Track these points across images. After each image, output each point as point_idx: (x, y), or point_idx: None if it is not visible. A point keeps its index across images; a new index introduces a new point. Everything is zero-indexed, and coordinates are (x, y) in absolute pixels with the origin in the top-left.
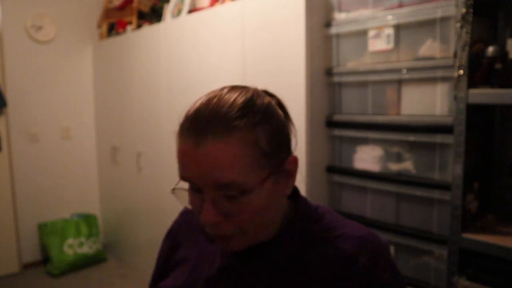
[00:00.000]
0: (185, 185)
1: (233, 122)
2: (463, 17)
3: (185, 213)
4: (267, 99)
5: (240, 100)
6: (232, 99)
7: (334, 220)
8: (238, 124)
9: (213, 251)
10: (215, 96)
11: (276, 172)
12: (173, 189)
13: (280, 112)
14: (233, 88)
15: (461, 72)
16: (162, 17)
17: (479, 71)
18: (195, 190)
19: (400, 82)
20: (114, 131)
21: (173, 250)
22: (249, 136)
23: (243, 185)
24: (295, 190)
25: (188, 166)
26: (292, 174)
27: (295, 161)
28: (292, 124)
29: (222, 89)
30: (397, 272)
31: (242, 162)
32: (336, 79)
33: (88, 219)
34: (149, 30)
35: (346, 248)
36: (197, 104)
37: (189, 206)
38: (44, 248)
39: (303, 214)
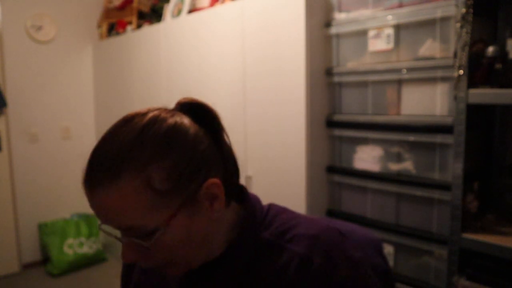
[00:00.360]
0: None
1: (120, 168)
2: (463, 17)
3: None
4: (167, 124)
5: (128, 137)
6: (121, 138)
7: (287, 221)
8: (125, 168)
9: (169, 277)
10: (108, 134)
11: (189, 203)
12: (99, 226)
13: (190, 134)
14: (130, 119)
15: (461, 72)
16: (162, 17)
17: (479, 71)
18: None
19: (400, 82)
20: None
21: (128, 274)
22: (139, 180)
23: (144, 228)
24: (243, 193)
25: (95, 213)
26: (216, 197)
27: (215, 185)
28: (222, 136)
29: (122, 120)
30: (356, 265)
31: (135, 207)
32: (336, 79)
33: (88, 219)
34: (149, 30)
35: (299, 249)
36: (96, 144)
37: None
38: (44, 248)
39: (253, 221)
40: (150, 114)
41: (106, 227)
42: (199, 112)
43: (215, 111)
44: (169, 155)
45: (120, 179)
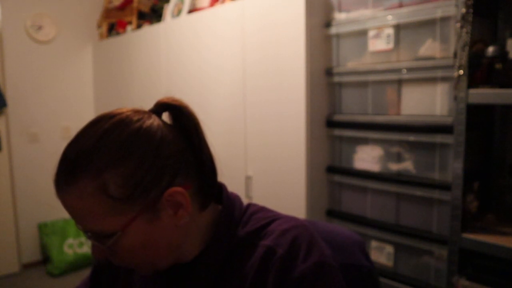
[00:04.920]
0: None
1: (75, 173)
2: (463, 17)
3: None
4: (129, 129)
5: (89, 141)
6: (83, 141)
7: (263, 219)
8: (81, 173)
9: (150, 277)
10: (76, 135)
11: (148, 211)
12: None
13: (155, 139)
14: (97, 122)
15: (461, 72)
16: (162, 17)
17: (479, 71)
18: None
19: (400, 82)
20: None
21: (114, 269)
22: (93, 185)
23: (101, 231)
24: (222, 192)
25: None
26: (180, 205)
27: (178, 193)
28: (198, 138)
29: (91, 121)
30: (320, 262)
31: (91, 211)
32: (336, 79)
33: None
34: (149, 30)
35: (268, 242)
36: (66, 144)
37: None
38: (44, 248)
39: (231, 219)
40: (117, 117)
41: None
42: (176, 113)
43: (192, 113)
44: (126, 162)
45: (77, 183)
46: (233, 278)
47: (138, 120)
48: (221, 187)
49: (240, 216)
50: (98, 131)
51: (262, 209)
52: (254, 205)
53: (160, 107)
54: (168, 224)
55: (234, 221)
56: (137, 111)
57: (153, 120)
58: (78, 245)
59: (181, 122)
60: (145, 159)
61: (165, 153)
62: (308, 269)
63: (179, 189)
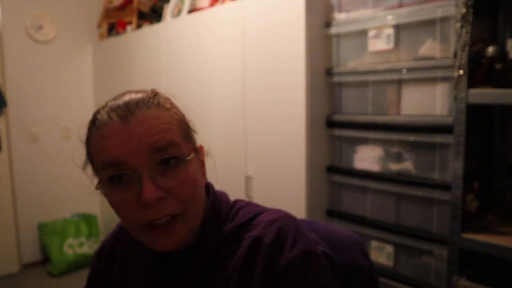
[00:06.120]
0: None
1: (155, 101)
2: (463, 17)
3: (116, 233)
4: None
5: (145, 92)
6: (139, 91)
7: (250, 212)
8: (160, 102)
9: (142, 271)
10: (121, 94)
11: (196, 152)
12: (97, 187)
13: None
14: (130, 90)
15: (461, 72)
16: (162, 17)
17: (479, 71)
18: (129, 172)
19: (400, 82)
20: None
21: (107, 272)
22: (172, 112)
23: (179, 147)
24: (209, 188)
25: (117, 146)
26: (203, 163)
27: (202, 150)
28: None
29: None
30: (307, 252)
31: (175, 127)
32: (336, 79)
33: (88, 219)
34: (149, 30)
35: (254, 233)
36: (108, 103)
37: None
38: (44, 248)
39: (219, 214)
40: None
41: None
42: None
43: None
44: (178, 109)
45: (159, 106)
46: (222, 270)
47: None
48: (208, 185)
49: (227, 211)
50: (143, 91)
51: (248, 204)
52: (241, 200)
53: None
54: (201, 178)
55: (222, 216)
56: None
57: None
58: (78, 245)
59: None
60: (183, 113)
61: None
62: (295, 257)
63: (202, 145)
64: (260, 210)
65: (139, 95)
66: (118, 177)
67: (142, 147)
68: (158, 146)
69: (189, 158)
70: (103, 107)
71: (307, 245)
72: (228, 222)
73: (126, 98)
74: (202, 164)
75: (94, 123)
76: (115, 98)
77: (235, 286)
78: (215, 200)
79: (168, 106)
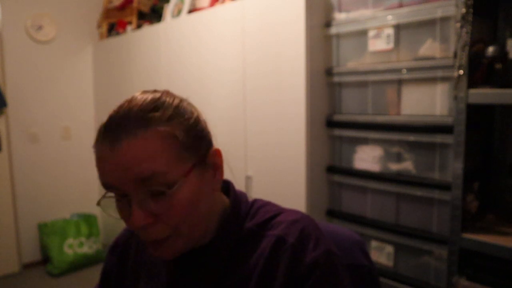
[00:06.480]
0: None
1: (147, 118)
2: (463, 17)
3: (129, 230)
4: (177, 98)
5: (150, 98)
6: (143, 99)
7: (270, 211)
8: (152, 118)
9: (158, 267)
10: (125, 101)
11: (200, 164)
12: (99, 202)
13: (192, 109)
14: (143, 92)
15: (461, 72)
16: (162, 17)
17: (479, 71)
18: (121, 196)
19: (400, 82)
20: None
21: (121, 267)
22: (165, 129)
23: (165, 176)
24: (229, 187)
25: (107, 172)
26: (218, 167)
27: (218, 153)
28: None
29: (135, 94)
30: (329, 252)
31: (161, 154)
32: (336, 79)
33: (88, 219)
34: (149, 30)
35: (277, 232)
36: (110, 113)
37: (117, 216)
38: (44, 248)
39: (239, 212)
40: (161, 90)
41: (106, 203)
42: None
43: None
44: (185, 116)
45: (148, 128)
46: (241, 267)
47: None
48: (229, 183)
49: (247, 210)
50: (151, 95)
51: (268, 203)
52: (260, 200)
53: None
54: (209, 185)
55: (242, 214)
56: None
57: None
58: (78, 245)
59: None
60: (195, 118)
61: (203, 120)
62: (320, 256)
63: (218, 149)
64: (280, 210)
65: (136, 108)
66: (114, 197)
67: (129, 176)
68: (143, 177)
69: (178, 183)
70: (105, 121)
71: (328, 246)
72: (248, 220)
73: (121, 112)
74: (217, 168)
75: (97, 138)
76: (118, 107)
77: (256, 284)
78: (236, 198)
79: (165, 120)
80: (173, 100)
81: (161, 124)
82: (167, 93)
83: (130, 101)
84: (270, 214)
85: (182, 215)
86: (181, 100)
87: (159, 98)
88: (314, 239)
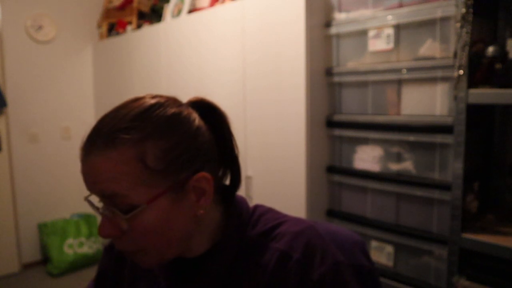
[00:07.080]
0: None
1: (116, 137)
2: (463, 17)
3: None
4: (173, 110)
5: (134, 112)
6: (127, 111)
7: (272, 220)
8: (122, 138)
9: (156, 276)
10: (117, 107)
11: (175, 189)
12: (85, 198)
13: (194, 125)
14: (141, 98)
15: (461, 72)
16: (162, 17)
17: (479, 71)
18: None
19: (400, 82)
20: None
21: (118, 269)
22: (133, 152)
23: (126, 199)
24: (229, 194)
25: (84, 180)
26: (204, 192)
27: (205, 179)
28: (227, 138)
29: (135, 98)
30: (336, 265)
31: (124, 177)
32: (336, 79)
33: (88, 219)
34: (149, 30)
35: (280, 246)
36: (101, 117)
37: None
38: (44, 248)
39: (238, 221)
40: (158, 99)
41: (93, 199)
42: (208, 111)
43: (224, 114)
44: (167, 137)
45: (117, 147)
46: (244, 278)
47: (180, 106)
48: (227, 191)
49: (248, 217)
50: (143, 105)
51: (270, 210)
52: (262, 206)
53: (193, 104)
54: (188, 210)
55: (243, 222)
56: (176, 100)
57: (190, 110)
58: (78, 245)
59: (212, 120)
60: (184, 138)
61: (200, 139)
62: (327, 271)
63: (207, 175)
64: (282, 218)
65: (113, 123)
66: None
67: (96, 189)
68: (104, 194)
69: (135, 212)
70: (93, 125)
71: (334, 256)
72: (249, 228)
73: (98, 125)
74: (201, 194)
75: (82, 140)
76: (106, 114)
77: None
78: (237, 208)
79: (136, 141)
80: (164, 115)
81: (131, 146)
82: (165, 103)
83: (118, 109)
84: (272, 223)
85: (146, 239)
86: (178, 114)
87: (145, 111)
88: (320, 252)
